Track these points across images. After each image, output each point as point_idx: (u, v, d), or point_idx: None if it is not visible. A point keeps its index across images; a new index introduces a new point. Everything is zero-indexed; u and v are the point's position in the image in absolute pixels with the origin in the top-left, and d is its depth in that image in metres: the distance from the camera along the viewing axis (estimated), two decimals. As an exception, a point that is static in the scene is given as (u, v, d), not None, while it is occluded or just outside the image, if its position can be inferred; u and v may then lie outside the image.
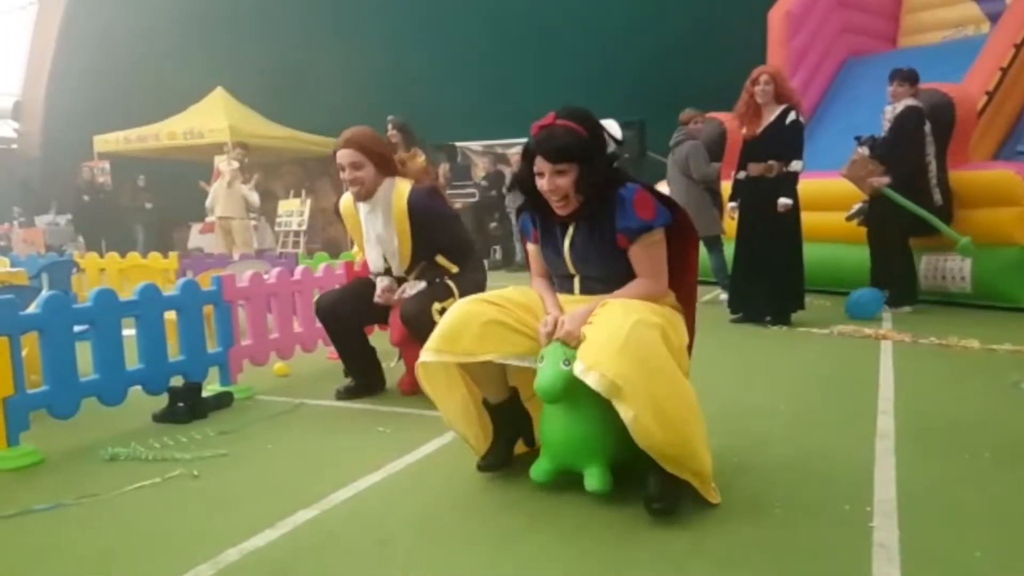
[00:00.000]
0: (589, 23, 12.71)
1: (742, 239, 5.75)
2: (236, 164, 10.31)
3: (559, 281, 2.59)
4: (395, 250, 3.66)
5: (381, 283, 3.73)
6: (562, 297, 2.54)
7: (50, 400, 3.04)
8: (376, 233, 3.68)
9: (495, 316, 2.41)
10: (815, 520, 2.22)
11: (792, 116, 5.37)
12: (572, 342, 2.29)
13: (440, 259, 3.66)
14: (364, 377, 3.87)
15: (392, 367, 4.10)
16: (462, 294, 3.46)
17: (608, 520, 2.15)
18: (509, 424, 2.65)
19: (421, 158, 6.87)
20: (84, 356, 3.17)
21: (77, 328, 3.16)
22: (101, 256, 8.19)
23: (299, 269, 4.57)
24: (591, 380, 2.12)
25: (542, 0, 13.11)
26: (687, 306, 2.60)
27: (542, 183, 2.37)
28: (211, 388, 3.76)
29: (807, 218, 5.70)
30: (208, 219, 10.76)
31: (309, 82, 14.03)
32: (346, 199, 3.83)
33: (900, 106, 5.99)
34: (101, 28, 16.29)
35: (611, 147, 2.47)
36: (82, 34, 16.89)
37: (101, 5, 16.60)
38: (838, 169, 6.32)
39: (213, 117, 13.22)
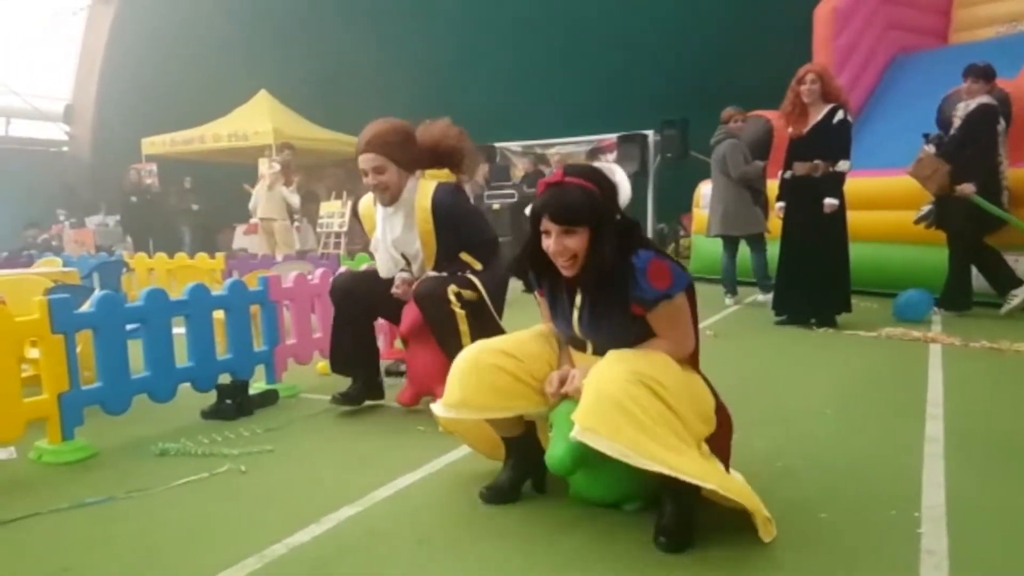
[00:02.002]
0: (630, 21, 12.65)
1: (787, 239, 5.67)
2: (277, 167, 10.47)
3: (569, 341, 2.41)
4: (417, 251, 3.44)
5: (399, 277, 3.49)
6: (576, 353, 2.40)
7: (103, 396, 3.13)
8: (394, 236, 3.45)
9: (513, 371, 2.29)
10: (861, 525, 2.19)
11: (840, 115, 5.29)
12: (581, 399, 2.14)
13: (464, 256, 3.42)
14: (363, 373, 3.63)
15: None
16: (486, 287, 3.31)
17: (648, 522, 2.14)
18: (520, 459, 2.49)
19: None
20: (135, 354, 3.26)
21: (129, 326, 3.25)
22: (150, 256, 8.38)
23: (341, 270, 4.63)
24: (578, 437, 2.01)
25: (582, -1, 13.10)
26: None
27: (548, 244, 2.18)
28: (257, 386, 3.83)
29: (854, 217, 5.61)
30: (252, 220, 10.95)
31: (350, 85, 14.18)
32: (366, 200, 3.67)
33: (973, 104, 5.80)
34: (149, 33, 16.66)
35: (623, 202, 2.28)
36: (131, 39, 17.30)
37: (149, 11, 16.99)
38: (885, 168, 6.22)
39: (257, 120, 13.44)
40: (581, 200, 2.14)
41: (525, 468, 2.48)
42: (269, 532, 2.22)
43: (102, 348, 3.12)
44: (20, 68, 17.64)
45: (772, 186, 6.13)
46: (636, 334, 2.22)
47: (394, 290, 3.46)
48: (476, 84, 13.34)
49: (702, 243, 8.75)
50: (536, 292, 2.47)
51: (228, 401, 3.53)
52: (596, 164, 2.32)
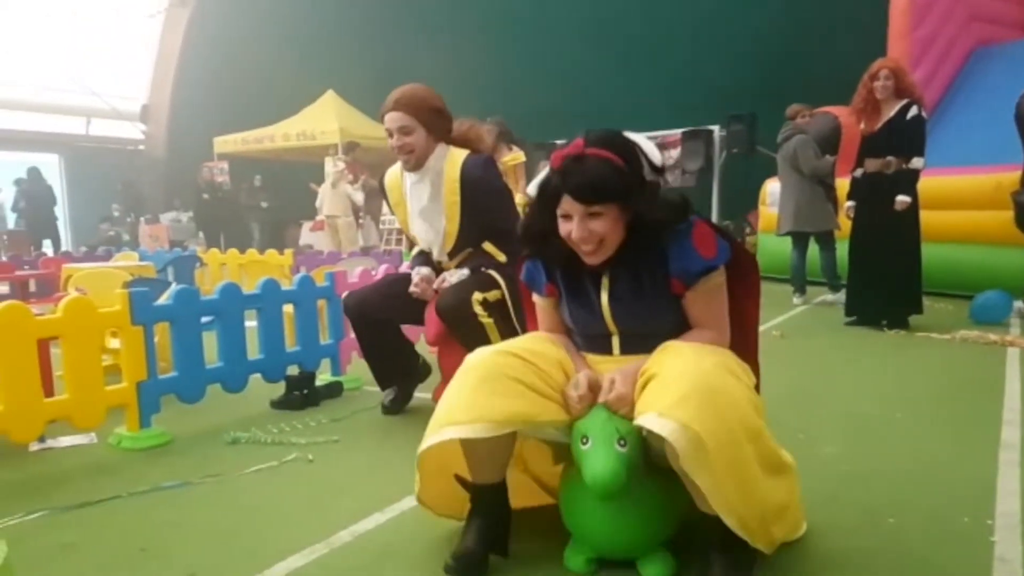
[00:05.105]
0: (696, 13, 12.45)
1: (858, 238, 5.52)
2: (341, 165, 10.70)
3: (587, 341, 2.04)
4: (440, 227, 3.20)
5: (418, 273, 3.24)
6: (595, 358, 2.01)
7: (179, 385, 3.26)
8: (421, 206, 3.22)
9: (526, 377, 1.84)
10: (931, 531, 2.13)
11: (914, 111, 5.12)
12: (623, 409, 1.78)
13: (487, 246, 3.19)
14: (404, 377, 3.52)
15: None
16: (509, 285, 3.05)
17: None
18: (491, 515, 1.98)
19: (520, 157, 6.91)
20: (209, 345, 3.38)
21: (204, 319, 3.37)
22: (221, 252, 8.64)
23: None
24: (666, 431, 1.62)
25: (645, -6, 12.97)
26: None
27: (568, 228, 1.85)
28: (323, 378, 3.93)
29: (928, 217, 5.43)
30: (318, 218, 11.21)
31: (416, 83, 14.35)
32: (392, 173, 3.40)
33: None
34: (222, 36, 17.17)
35: (649, 175, 1.93)
36: (204, 42, 17.85)
37: (222, 15, 17.50)
38: (961, 166, 6.00)
39: (324, 119, 13.73)
40: (608, 174, 1.81)
41: (492, 527, 1.97)
42: (335, 519, 2.28)
43: (178, 339, 3.25)
44: (100, 70, 18.31)
45: (842, 184, 5.98)
46: (674, 322, 1.93)
47: (412, 288, 3.22)
48: (539, 83, 13.34)
49: (768, 241, 8.59)
50: (539, 292, 2.12)
51: (296, 392, 3.63)
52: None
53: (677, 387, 1.67)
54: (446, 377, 3.26)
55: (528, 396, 1.83)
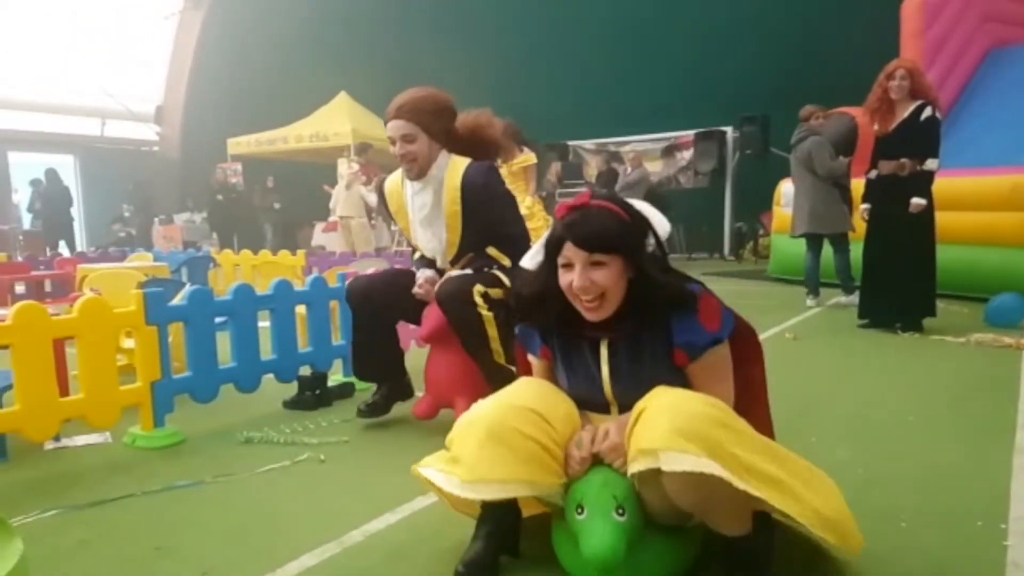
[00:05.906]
0: (707, 14, 12.43)
1: (872, 240, 5.49)
2: (355, 167, 10.74)
3: (584, 407, 1.98)
4: (442, 236, 3.16)
5: (422, 275, 3.20)
6: (595, 416, 1.98)
7: (192, 385, 3.28)
8: (423, 215, 3.17)
9: (541, 438, 1.79)
10: (944, 535, 2.12)
11: (928, 112, 5.09)
12: (617, 461, 1.76)
13: (491, 251, 3.12)
14: (387, 380, 3.38)
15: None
16: (513, 285, 2.90)
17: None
18: (499, 523, 1.99)
19: (531, 158, 6.91)
20: (223, 346, 3.40)
21: (217, 319, 3.39)
22: (235, 252, 8.69)
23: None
24: (699, 465, 1.56)
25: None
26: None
27: (570, 278, 1.80)
28: (335, 378, 3.95)
29: (942, 218, 5.39)
30: (331, 219, 11.27)
31: (426, 85, 14.40)
32: (392, 180, 3.34)
33: None
34: (236, 38, 17.29)
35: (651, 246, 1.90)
36: (218, 44, 17.98)
37: (236, 17, 17.62)
38: (976, 167, 5.96)
39: (337, 121, 13.78)
40: (612, 225, 1.79)
41: (502, 533, 2.00)
42: (347, 519, 2.30)
43: (192, 339, 3.27)
44: (115, 71, 18.44)
45: (857, 186, 5.95)
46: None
47: (416, 290, 3.17)
48: (550, 85, 13.36)
49: (782, 243, 8.57)
50: (534, 353, 2.06)
51: (308, 392, 3.65)
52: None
53: (670, 417, 1.63)
54: (429, 386, 3.21)
55: (533, 457, 1.78)
